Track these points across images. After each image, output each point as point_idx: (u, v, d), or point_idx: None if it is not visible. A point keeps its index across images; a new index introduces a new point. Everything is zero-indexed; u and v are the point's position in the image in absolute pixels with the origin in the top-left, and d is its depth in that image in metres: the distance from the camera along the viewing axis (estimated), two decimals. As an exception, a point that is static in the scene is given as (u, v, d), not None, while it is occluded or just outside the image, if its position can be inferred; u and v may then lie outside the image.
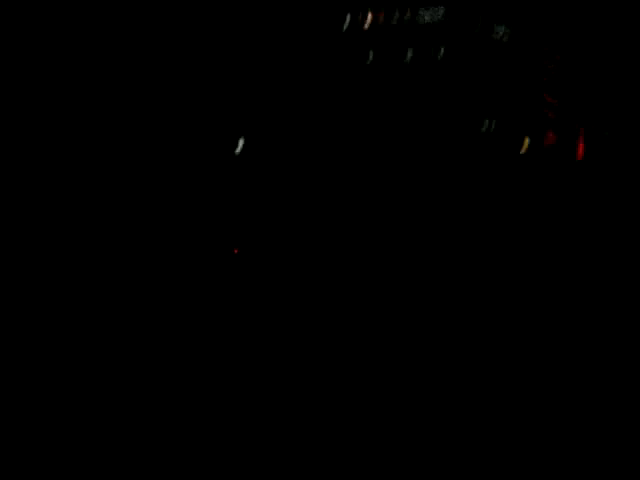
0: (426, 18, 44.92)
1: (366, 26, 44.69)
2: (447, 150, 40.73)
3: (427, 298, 21.60)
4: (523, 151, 40.69)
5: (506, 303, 21.50)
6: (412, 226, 33.12)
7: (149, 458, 8.82)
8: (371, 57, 44.57)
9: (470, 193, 38.50)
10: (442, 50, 44.94)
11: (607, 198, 39.28)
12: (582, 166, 40.54)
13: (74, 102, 29.96)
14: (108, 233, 27.65)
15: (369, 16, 45.14)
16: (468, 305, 21.40)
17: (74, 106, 29.99)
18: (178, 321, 18.19)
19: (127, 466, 8.57)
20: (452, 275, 26.23)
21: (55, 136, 29.41)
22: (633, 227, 34.85)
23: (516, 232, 35.82)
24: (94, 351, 15.22)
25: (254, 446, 9.08)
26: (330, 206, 34.17)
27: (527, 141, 41.62)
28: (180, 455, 8.95)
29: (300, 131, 36.45)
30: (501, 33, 47.58)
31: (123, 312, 18.86)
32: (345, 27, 44.35)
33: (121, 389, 12.45)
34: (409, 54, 44.63)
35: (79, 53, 30.28)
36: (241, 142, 34.92)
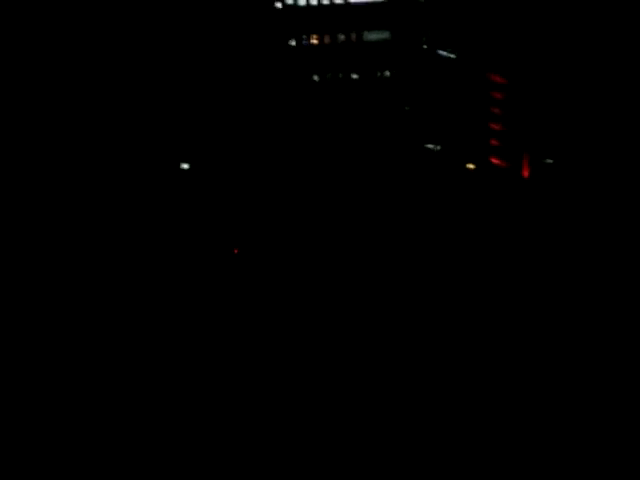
0: (372, 38, 45.11)
1: (310, 47, 44.71)
2: (390, 170, 40.83)
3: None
4: (467, 174, 41.01)
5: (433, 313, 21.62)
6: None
7: (149, 458, 8.51)
8: (316, 77, 44.57)
9: (412, 211, 38.70)
10: (387, 72, 45.17)
11: (553, 215, 40.03)
12: (528, 185, 41.08)
13: (72, 103, 29.47)
14: (108, 233, 27.13)
15: (314, 38, 45.18)
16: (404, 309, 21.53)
17: (73, 107, 29.45)
18: (178, 320, 17.85)
19: (127, 466, 8.25)
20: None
21: (54, 137, 28.81)
22: (577, 239, 35.56)
23: (460, 244, 36.13)
24: (94, 351, 14.83)
25: (254, 446, 8.81)
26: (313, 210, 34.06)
27: (471, 167, 41.88)
28: (180, 455, 8.64)
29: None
30: (445, 58, 48.00)
31: (123, 311, 18.44)
32: (290, 46, 44.29)
33: (121, 389, 12.09)
34: (354, 75, 44.74)
35: (78, 53, 29.88)
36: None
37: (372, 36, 45.45)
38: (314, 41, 45.93)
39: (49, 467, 8.40)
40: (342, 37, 45.84)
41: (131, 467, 8.45)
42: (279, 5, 44.32)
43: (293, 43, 44.79)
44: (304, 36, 45.50)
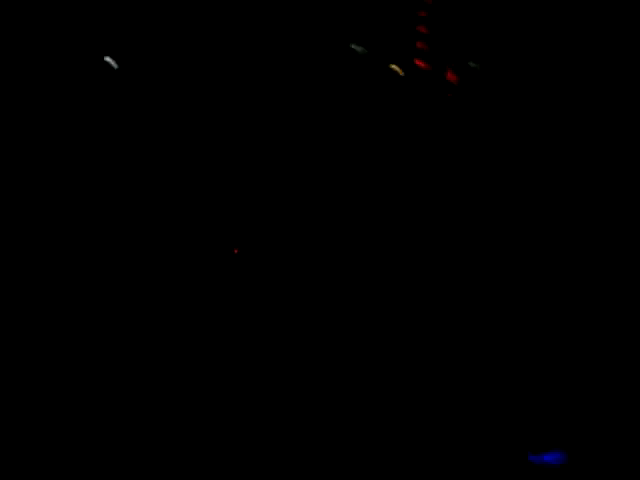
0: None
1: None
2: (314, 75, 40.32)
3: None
4: (393, 76, 40.72)
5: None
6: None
7: (149, 458, 8.37)
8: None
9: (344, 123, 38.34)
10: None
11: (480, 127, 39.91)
12: (453, 90, 40.92)
13: (72, 103, 28.66)
14: (107, 232, 26.34)
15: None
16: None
17: (72, 107, 28.63)
18: (178, 320, 17.46)
19: (127, 466, 8.11)
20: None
21: (54, 137, 28.01)
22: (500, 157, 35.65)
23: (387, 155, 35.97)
24: (94, 351, 14.49)
25: (254, 446, 8.71)
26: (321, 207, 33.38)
27: (395, 68, 41.57)
28: (180, 455, 8.51)
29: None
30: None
31: (122, 311, 18.04)
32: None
33: (121, 388, 11.85)
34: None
35: (78, 54, 28.94)
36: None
37: None
38: None
39: (49, 467, 8.23)
40: None
41: (131, 467, 8.33)
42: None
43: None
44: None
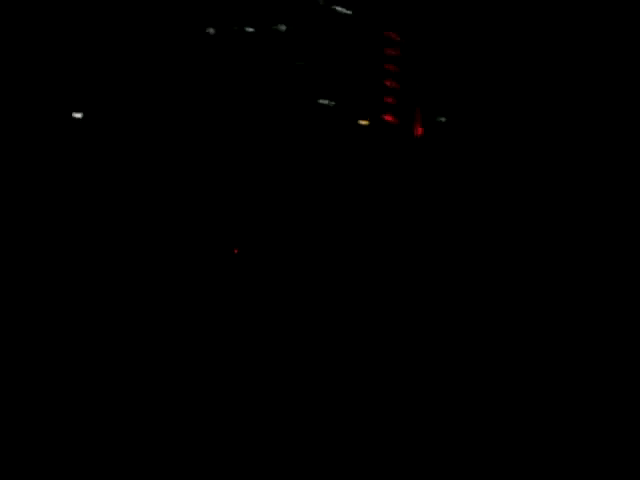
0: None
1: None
2: (286, 125, 40.82)
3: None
4: (361, 130, 41.29)
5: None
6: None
7: (149, 458, 8.53)
8: (211, 30, 43.98)
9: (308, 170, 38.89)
10: (281, 26, 44.85)
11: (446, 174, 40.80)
12: (420, 143, 41.68)
13: (72, 103, 29.21)
14: (107, 233, 26.88)
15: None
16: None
17: (72, 107, 29.20)
18: (178, 320, 17.79)
19: (127, 466, 8.26)
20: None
21: (54, 137, 28.52)
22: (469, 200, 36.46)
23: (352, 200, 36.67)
24: (94, 350, 14.66)
25: (254, 446, 8.88)
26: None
27: (365, 123, 42.29)
28: (180, 455, 8.68)
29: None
30: (340, 14, 47.94)
31: (122, 311, 18.35)
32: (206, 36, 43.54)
33: (121, 388, 12.00)
34: (249, 28, 44.30)
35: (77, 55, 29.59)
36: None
37: (268, -11, 44.98)
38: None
39: (49, 467, 8.38)
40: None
41: (131, 467, 8.49)
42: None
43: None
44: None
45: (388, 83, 43.74)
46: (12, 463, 8.11)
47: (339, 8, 44.65)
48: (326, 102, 41.50)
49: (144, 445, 9.07)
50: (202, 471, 8.26)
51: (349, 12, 45.02)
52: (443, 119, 40.53)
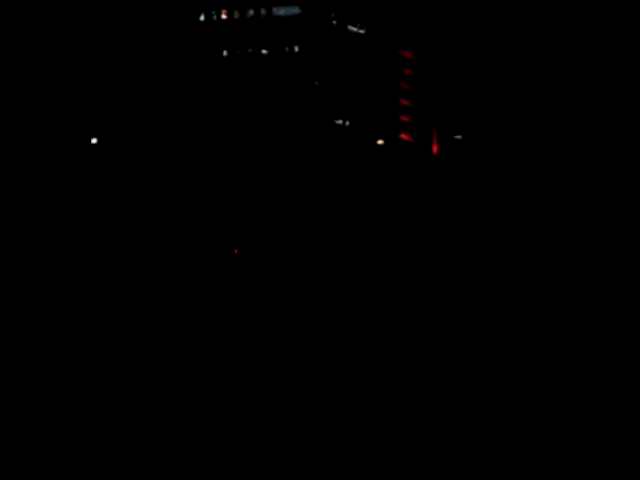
0: (281, 13, 44.82)
1: (220, 21, 44.23)
2: (302, 145, 40.84)
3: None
4: (378, 149, 41.26)
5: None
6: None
7: (149, 458, 8.47)
8: (225, 52, 44.12)
9: (327, 186, 38.88)
10: (297, 47, 44.95)
11: (460, 191, 40.75)
12: (437, 161, 41.62)
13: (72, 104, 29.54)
14: (109, 233, 26.91)
15: (223, 13, 44.67)
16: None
17: (72, 107, 29.51)
18: (178, 320, 17.75)
19: (127, 466, 8.21)
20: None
21: (54, 136, 28.76)
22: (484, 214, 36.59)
23: (373, 219, 36.62)
24: (94, 351, 14.66)
25: (254, 446, 8.83)
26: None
27: (381, 142, 42.26)
28: (180, 455, 8.63)
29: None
30: (355, 34, 48.00)
31: (124, 311, 18.32)
32: (200, 23, 43.74)
33: (121, 388, 11.98)
34: (264, 50, 44.43)
35: (78, 56, 29.86)
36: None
37: (281, 11, 45.15)
38: (223, 16, 45.47)
39: (49, 467, 8.33)
40: (251, 12, 45.47)
41: (131, 467, 8.43)
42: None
43: (202, 18, 44.27)
44: (213, 11, 45.00)
45: (403, 102, 43.67)
46: (12, 463, 8.08)
47: (353, 28, 44.84)
48: (341, 122, 41.53)
49: (144, 442, 9.04)
50: (202, 470, 8.21)
51: (362, 32, 45.17)
52: (459, 137, 40.37)
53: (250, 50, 43.59)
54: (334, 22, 44.37)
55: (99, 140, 31.44)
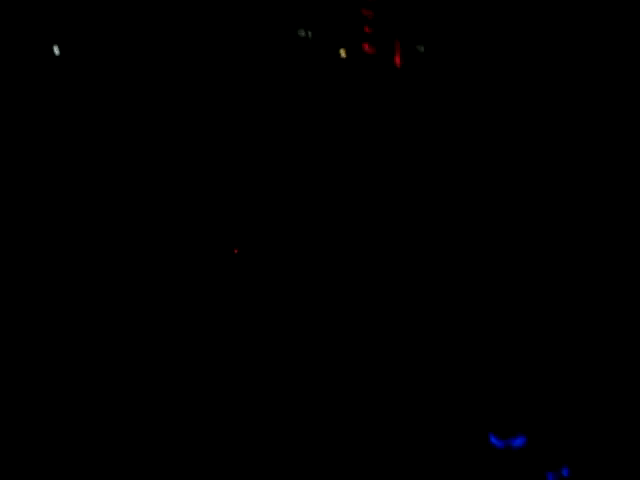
0: None
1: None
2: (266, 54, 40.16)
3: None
4: (341, 58, 40.69)
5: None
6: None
7: (149, 458, 8.36)
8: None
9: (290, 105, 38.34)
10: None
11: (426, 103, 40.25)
12: (400, 74, 41.09)
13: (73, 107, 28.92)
14: (106, 233, 26.23)
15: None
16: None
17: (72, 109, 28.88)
18: (178, 320, 17.36)
19: (127, 466, 8.09)
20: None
21: (54, 137, 28.13)
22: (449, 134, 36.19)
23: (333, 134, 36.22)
24: (94, 351, 14.37)
25: (254, 446, 8.72)
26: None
27: (343, 52, 41.65)
28: (180, 455, 8.50)
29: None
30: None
31: (122, 312, 17.92)
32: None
33: (121, 389, 11.77)
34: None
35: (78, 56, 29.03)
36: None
37: None
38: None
39: (49, 467, 8.20)
40: None
41: (131, 466, 8.31)
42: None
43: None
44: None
45: (365, 12, 43.19)
46: (12, 463, 8.00)
47: None
48: (304, 34, 41.02)
49: (144, 444, 8.98)
50: (202, 470, 8.18)
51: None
52: (422, 49, 39.51)
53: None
54: None
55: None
